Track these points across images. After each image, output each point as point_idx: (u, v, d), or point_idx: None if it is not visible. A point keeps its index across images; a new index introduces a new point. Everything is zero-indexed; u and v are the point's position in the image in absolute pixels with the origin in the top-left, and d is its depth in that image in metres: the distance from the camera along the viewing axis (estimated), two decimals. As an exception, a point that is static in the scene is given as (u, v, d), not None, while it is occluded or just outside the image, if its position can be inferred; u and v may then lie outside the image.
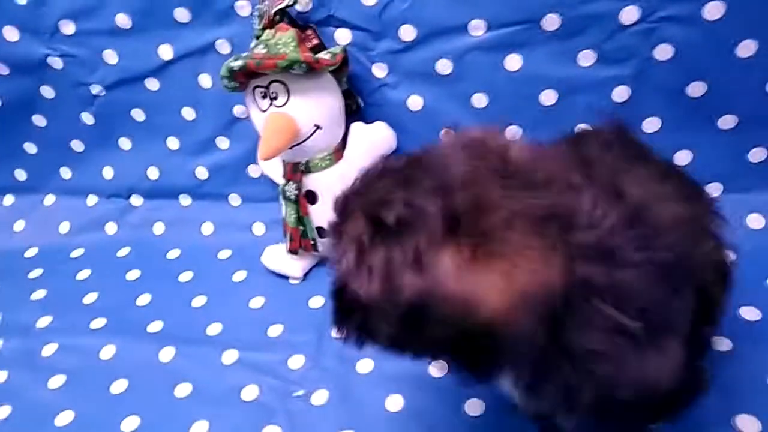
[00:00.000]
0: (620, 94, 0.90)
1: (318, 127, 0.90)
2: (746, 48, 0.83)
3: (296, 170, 0.93)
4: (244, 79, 0.87)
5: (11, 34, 1.01)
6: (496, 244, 0.39)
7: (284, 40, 0.85)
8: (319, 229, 0.97)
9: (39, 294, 1.06)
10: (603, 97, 0.90)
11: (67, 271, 1.11)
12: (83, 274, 1.10)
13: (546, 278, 0.39)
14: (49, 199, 1.23)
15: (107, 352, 0.92)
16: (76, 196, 1.21)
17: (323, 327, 0.90)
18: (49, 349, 0.94)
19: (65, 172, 1.20)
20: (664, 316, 0.47)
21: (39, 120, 1.13)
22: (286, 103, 0.88)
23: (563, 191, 0.43)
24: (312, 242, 0.97)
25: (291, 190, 0.94)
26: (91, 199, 1.21)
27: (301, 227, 0.96)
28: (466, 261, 0.39)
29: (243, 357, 0.88)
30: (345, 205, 0.48)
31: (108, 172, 1.18)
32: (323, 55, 0.87)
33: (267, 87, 0.88)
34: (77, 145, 1.16)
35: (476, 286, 0.39)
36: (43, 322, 1.00)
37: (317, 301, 0.96)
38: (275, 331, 0.92)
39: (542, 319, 0.40)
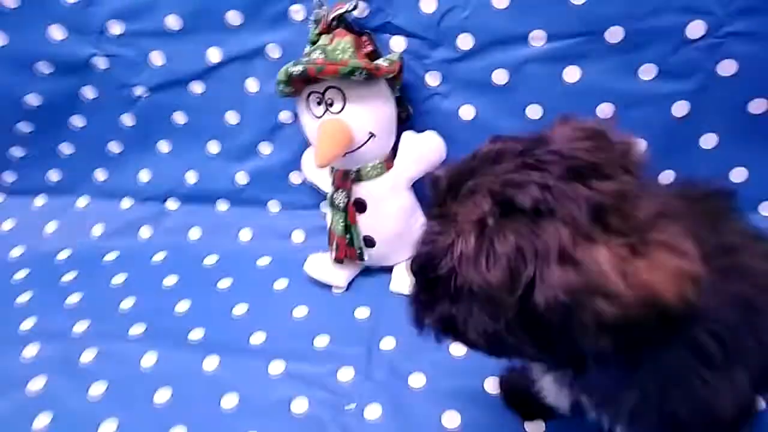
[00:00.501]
0: (680, 109, 0.89)
1: (372, 135, 0.88)
2: (812, 66, 0.82)
3: (347, 178, 0.92)
4: (300, 84, 0.86)
5: (57, 32, 1.00)
6: (654, 235, 0.37)
7: (342, 46, 0.84)
8: (366, 239, 0.95)
9: (74, 298, 1.04)
10: (662, 112, 0.89)
11: (101, 275, 1.09)
12: (119, 279, 1.08)
13: (698, 278, 0.37)
14: (82, 201, 1.21)
15: (149, 359, 0.89)
16: (110, 199, 1.19)
17: (372, 339, 0.89)
18: (88, 355, 0.91)
19: (100, 174, 1.18)
20: (740, 346, 0.46)
21: (78, 120, 1.12)
22: (342, 110, 0.86)
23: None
24: (358, 252, 0.96)
25: (340, 198, 0.92)
26: (126, 203, 1.19)
27: (348, 236, 0.95)
28: (624, 258, 0.36)
29: (290, 368, 0.86)
30: (457, 183, 0.43)
31: (144, 175, 1.16)
32: (382, 63, 0.85)
33: (323, 93, 0.86)
34: (115, 147, 1.14)
35: (650, 279, 0.36)
36: (80, 327, 0.97)
37: (363, 312, 0.94)
38: (322, 342, 0.90)
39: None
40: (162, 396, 0.84)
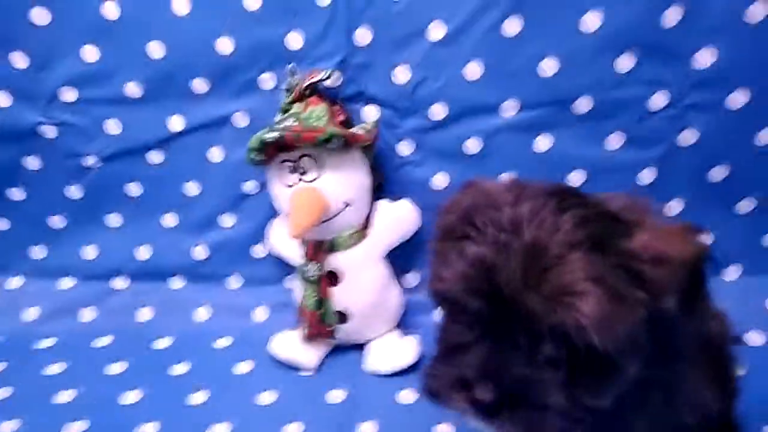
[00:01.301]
0: (646, 176, 0.91)
1: (347, 204, 0.85)
2: (766, 136, 0.87)
3: (320, 249, 0.87)
4: (273, 152, 0.82)
5: (3, 99, 0.93)
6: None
7: (317, 114, 0.82)
8: (340, 314, 0.89)
9: (1, 394, 0.91)
10: (629, 179, 0.91)
11: (34, 366, 0.96)
12: (55, 368, 0.95)
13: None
14: (16, 282, 1.09)
15: (85, 458, 0.78)
16: (48, 278, 1.08)
17: (347, 424, 0.81)
18: (16, 462, 0.78)
19: (38, 252, 1.07)
20: None
21: (16, 194, 1.02)
22: (316, 179, 0.83)
23: None
24: (330, 328, 0.89)
25: (313, 270, 0.87)
26: (66, 282, 1.08)
27: (320, 311, 0.88)
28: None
29: (258, 463, 0.76)
30: (544, 249, 0.41)
31: (90, 252, 1.06)
32: (358, 130, 0.84)
33: (297, 161, 0.83)
34: (57, 222, 1.05)
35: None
36: (8, 427, 0.84)
37: (337, 395, 0.87)
38: (293, 430, 0.81)
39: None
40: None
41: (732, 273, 0.97)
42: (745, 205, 0.93)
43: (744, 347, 0.80)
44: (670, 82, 0.85)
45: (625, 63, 0.84)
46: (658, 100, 0.86)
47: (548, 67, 0.85)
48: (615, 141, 0.89)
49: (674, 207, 0.94)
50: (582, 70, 0.85)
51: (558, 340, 0.40)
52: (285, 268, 1.01)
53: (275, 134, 0.77)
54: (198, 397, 0.87)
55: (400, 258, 0.98)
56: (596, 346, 0.39)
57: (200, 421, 0.83)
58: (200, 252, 1.04)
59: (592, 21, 0.82)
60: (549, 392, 0.42)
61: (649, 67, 0.84)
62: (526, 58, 0.85)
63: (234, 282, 1.06)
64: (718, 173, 0.90)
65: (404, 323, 0.98)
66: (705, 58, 0.83)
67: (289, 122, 0.81)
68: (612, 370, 0.42)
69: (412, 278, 1.02)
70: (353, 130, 0.84)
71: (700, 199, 0.93)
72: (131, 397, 0.88)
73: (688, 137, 0.88)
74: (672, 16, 0.81)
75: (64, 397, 0.89)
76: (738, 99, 0.84)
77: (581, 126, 0.88)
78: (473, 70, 0.86)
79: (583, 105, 0.87)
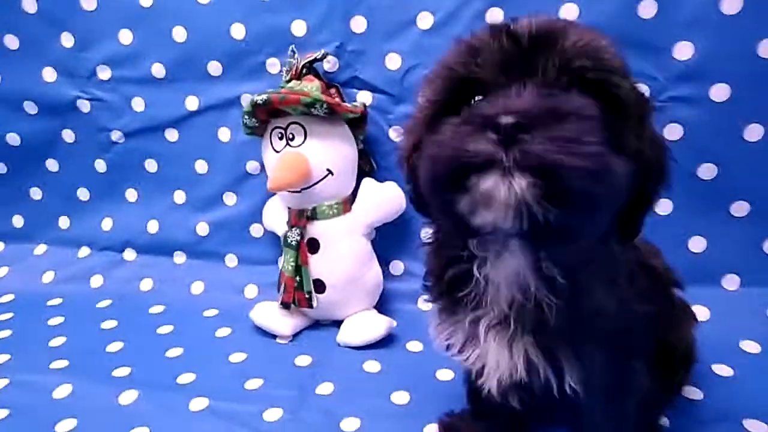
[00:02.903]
0: (631, 171, 0.91)
1: (330, 172, 0.90)
2: (754, 132, 0.86)
3: (301, 216, 0.91)
4: (265, 117, 0.89)
5: (49, 74, 1.07)
6: None
7: (309, 87, 0.89)
8: (316, 283, 0.92)
9: (2, 334, 0.97)
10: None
11: (38, 317, 1.03)
12: (54, 321, 1.02)
13: None
14: (40, 249, 1.18)
15: (62, 391, 0.81)
16: (69, 247, 1.17)
17: (308, 384, 0.82)
18: (-3, 384, 0.83)
19: (64, 222, 1.17)
20: None
21: (52, 165, 1.14)
22: (301, 144, 0.89)
23: None
24: (307, 297, 0.91)
25: (293, 235, 0.91)
26: (83, 251, 1.17)
27: (298, 279, 0.91)
28: None
29: (214, 406, 0.77)
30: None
31: (107, 224, 1.15)
32: (345, 103, 0.90)
33: (285, 128, 0.89)
34: (83, 194, 1.15)
35: None
36: (2, 359, 0.90)
37: (304, 360, 0.87)
38: (253, 384, 0.82)
39: None
40: (64, 426, 0.74)
41: (730, 282, 0.92)
42: (740, 208, 0.90)
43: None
44: (651, 73, 0.86)
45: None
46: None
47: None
48: (598, 133, 0.90)
49: (664, 207, 0.92)
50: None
51: (584, 88, 0.42)
52: (278, 249, 1.05)
53: (264, 96, 0.85)
54: (174, 352, 0.91)
55: (387, 245, 1.00)
56: (622, 95, 0.42)
57: (170, 370, 0.86)
58: (202, 229, 1.10)
59: (570, 12, 0.86)
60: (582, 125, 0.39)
61: (629, 60, 0.86)
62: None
63: (231, 261, 1.11)
64: (707, 171, 0.89)
65: (385, 309, 0.98)
66: (685, 50, 0.84)
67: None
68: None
69: (398, 266, 1.03)
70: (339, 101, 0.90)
71: (690, 198, 0.90)
72: (114, 346, 0.93)
73: (672, 132, 0.88)
74: (648, 8, 0.84)
75: (56, 342, 0.95)
76: (721, 92, 0.85)
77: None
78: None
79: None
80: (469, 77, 0.44)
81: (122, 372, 0.86)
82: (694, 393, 0.75)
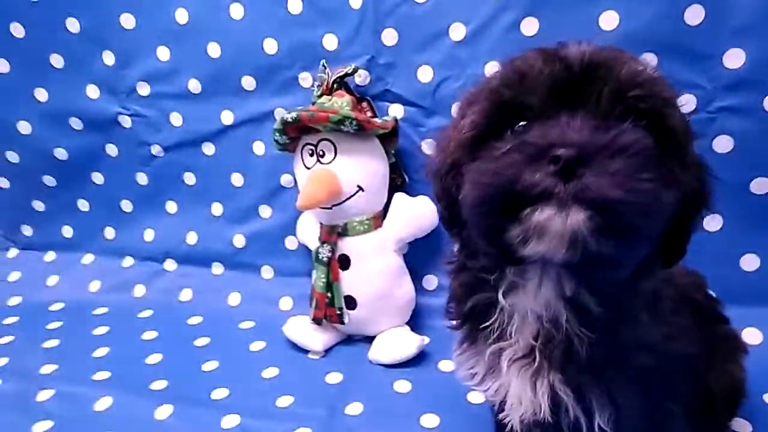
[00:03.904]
0: (677, 185, 0.86)
1: (360, 189, 0.89)
2: (813, 143, 0.80)
3: (332, 232, 0.91)
4: (295, 134, 0.89)
5: (92, 91, 1.10)
6: None
7: (340, 103, 0.88)
8: (348, 299, 0.91)
9: (51, 343, 1.02)
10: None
11: (84, 327, 1.07)
12: (99, 330, 1.05)
13: None
14: (88, 258, 1.23)
15: (103, 403, 0.84)
16: (114, 257, 1.21)
17: (337, 403, 0.81)
18: (43, 395, 0.87)
19: (109, 232, 1.21)
20: None
21: (97, 178, 1.18)
22: (332, 161, 0.88)
23: None
24: (338, 313, 0.91)
25: (324, 252, 0.90)
26: (127, 261, 1.20)
27: (329, 295, 0.91)
28: None
29: (244, 424, 0.78)
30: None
31: (149, 235, 1.18)
32: (375, 119, 0.89)
33: (316, 145, 0.89)
34: (126, 206, 1.19)
35: None
36: (47, 369, 0.94)
37: (334, 377, 0.87)
38: (284, 402, 0.83)
39: None
40: (103, 439, 0.77)
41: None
42: (799, 226, 0.84)
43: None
44: (697, 82, 0.81)
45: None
46: (686, 102, 0.82)
47: (567, 66, 0.85)
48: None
49: (712, 224, 0.87)
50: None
51: (636, 119, 0.41)
52: (312, 262, 1.06)
53: (293, 114, 0.84)
54: (209, 365, 0.93)
55: (420, 259, 0.99)
56: (675, 126, 0.42)
57: (206, 384, 0.88)
58: (239, 241, 1.12)
59: (609, 20, 0.82)
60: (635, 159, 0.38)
61: (674, 68, 0.81)
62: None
63: (266, 272, 1.12)
64: (760, 186, 0.83)
65: (417, 325, 0.97)
66: (736, 58, 0.79)
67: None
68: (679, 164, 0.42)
69: (431, 281, 1.02)
70: (371, 118, 0.89)
71: (742, 215, 0.85)
72: (153, 358, 0.95)
73: (722, 144, 0.83)
74: (695, 14, 0.79)
75: (100, 352, 0.98)
76: (776, 102, 0.79)
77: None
78: (492, 70, 0.89)
79: (605, 106, 0.85)
80: (516, 102, 0.43)
81: (160, 385, 0.88)
82: (743, 426, 0.71)
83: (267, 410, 0.81)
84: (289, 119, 0.85)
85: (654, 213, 0.39)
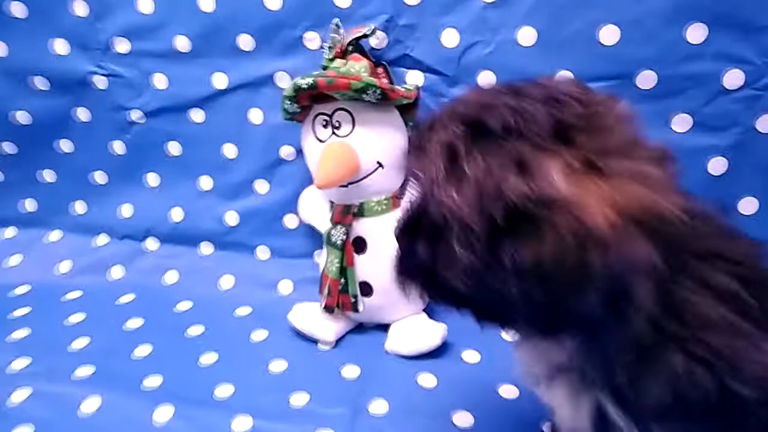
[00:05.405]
0: (716, 166, 0.82)
1: (380, 165, 0.80)
2: None
3: (347, 213, 0.82)
4: (307, 101, 0.79)
5: (61, 46, 0.96)
6: (614, 162, 0.37)
7: (357, 68, 0.78)
8: (363, 285, 0.84)
9: (19, 334, 0.90)
10: (696, 168, 0.82)
11: (56, 314, 0.95)
12: (76, 318, 0.94)
13: (664, 208, 0.36)
14: (55, 235, 1.10)
15: (90, 404, 0.74)
16: (85, 235, 1.09)
17: (359, 401, 0.74)
18: (18, 396, 0.76)
19: (80, 207, 1.08)
20: None
21: (66, 145, 1.04)
22: (349, 134, 0.79)
23: None
24: (352, 300, 0.84)
25: (338, 234, 0.82)
26: (102, 239, 1.08)
27: (342, 281, 0.83)
28: (578, 169, 0.36)
29: (258, 426, 0.70)
30: (433, 117, 0.42)
31: (127, 210, 1.06)
32: (399, 87, 0.80)
33: (331, 115, 0.80)
34: (100, 177, 1.06)
35: (585, 195, 0.35)
36: (19, 365, 0.83)
37: (351, 371, 0.80)
38: (299, 400, 0.75)
39: (652, 259, 0.36)
40: (96, 448, 0.68)
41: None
42: (836, 211, 0.81)
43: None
44: (747, 58, 0.76)
45: (695, 34, 0.76)
46: (733, 78, 0.77)
47: (608, 35, 0.79)
48: (681, 123, 0.81)
49: (746, 206, 0.83)
50: (646, 40, 0.78)
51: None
52: (315, 242, 0.97)
53: (309, 80, 0.74)
54: (207, 358, 0.84)
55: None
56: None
57: (206, 380, 0.79)
58: (231, 218, 1.02)
59: (656, -14, 0.75)
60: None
61: (723, 40, 0.76)
62: (584, 24, 0.79)
63: (262, 253, 1.02)
64: (803, 168, 0.80)
65: (433, 311, 0.90)
66: (788, 32, 0.74)
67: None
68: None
69: (447, 263, 0.95)
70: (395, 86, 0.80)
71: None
72: (142, 350, 0.86)
73: (766, 122, 0.78)
74: (750, -18, 0.73)
75: (79, 344, 0.88)
76: (827, 80, 0.75)
77: (643, 103, 0.80)
78: (526, 36, 0.81)
79: (647, 80, 0.79)
80: None
81: (154, 382, 0.79)
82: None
83: (281, 410, 0.73)
84: (304, 85, 0.75)
85: None
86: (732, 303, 0.41)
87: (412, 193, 0.44)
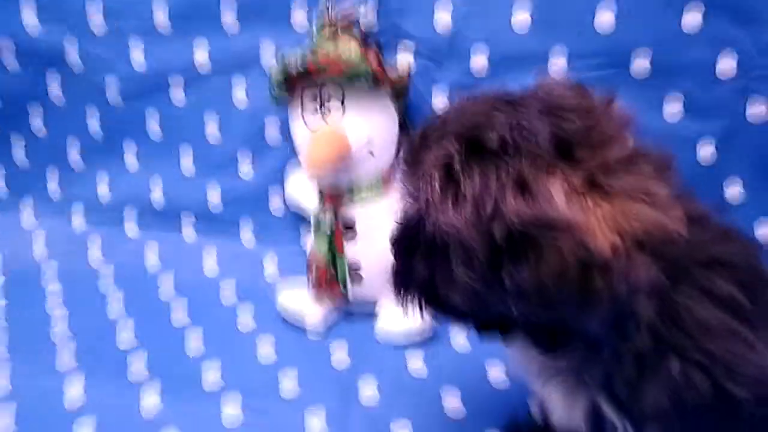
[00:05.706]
0: (705, 153, 0.82)
1: (371, 150, 0.79)
2: None
3: (336, 198, 0.81)
4: (297, 86, 0.77)
5: (30, 16, 0.90)
6: (615, 179, 0.36)
7: (349, 52, 0.76)
8: (353, 272, 0.83)
9: (-3, 323, 0.87)
10: (686, 155, 0.82)
11: (32, 299, 0.92)
12: (52, 302, 0.91)
13: (666, 226, 0.36)
14: (27, 216, 1.06)
15: (74, 395, 0.72)
16: (59, 216, 1.05)
17: (350, 389, 0.74)
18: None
19: (52, 187, 1.04)
20: None
21: (36, 122, 0.99)
22: (339, 118, 0.77)
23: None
24: (342, 288, 0.83)
25: (327, 219, 0.80)
26: (76, 220, 1.04)
27: (331, 267, 0.82)
28: (579, 189, 0.36)
29: (249, 415, 0.70)
30: (426, 131, 0.41)
31: (102, 190, 1.03)
32: (389, 72, 0.77)
33: (320, 98, 0.77)
34: (73, 156, 1.01)
35: (587, 217, 0.35)
36: (-4, 352, 0.80)
37: (341, 358, 0.80)
38: (291, 390, 0.75)
39: (654, 278, 0.36)
40: (82, 439, 0.66)
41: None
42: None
43: None
44: (742, 46, 0.76)
45: (690, 19, 0.75)
46: (727, 65, 0.77)
47: (603, 19, 0.77)
48: (673, 108, 0.81)
49: (733, 192, 0.84)
50: (641, 24, 0.77)
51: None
52: (301, 223, 0.96)
53: (299, 66, 0.71)
54: (194, 345, 0.82)
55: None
56: None
57: (193, 369, 0.78)
58: (214, 197, 0.99)
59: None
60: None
61: (719, 27, 0.75)
62: (579, 7, 0.78)
63: (246, 233, 1.00)
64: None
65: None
66: (782, 21, 0.74)
67: (321, 51, 0.75)
68: None
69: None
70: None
71: (766, 187, 0.83)
72: (126, 339, 0.83)
73: (757, 110, 0.79)
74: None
75: (59, 330, 0.85)
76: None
77: (637, 88, 0.80)
78: (521, 19, 0.79)
79: (641, 65, 0.79)
80: None
81: (140, 371, 0.77)
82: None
83: (272, 398, 0.73)
84: (293, 72, 0.72)
85: None
86: (729, 306, 0.42)
87: (405, 204, 0.43)
